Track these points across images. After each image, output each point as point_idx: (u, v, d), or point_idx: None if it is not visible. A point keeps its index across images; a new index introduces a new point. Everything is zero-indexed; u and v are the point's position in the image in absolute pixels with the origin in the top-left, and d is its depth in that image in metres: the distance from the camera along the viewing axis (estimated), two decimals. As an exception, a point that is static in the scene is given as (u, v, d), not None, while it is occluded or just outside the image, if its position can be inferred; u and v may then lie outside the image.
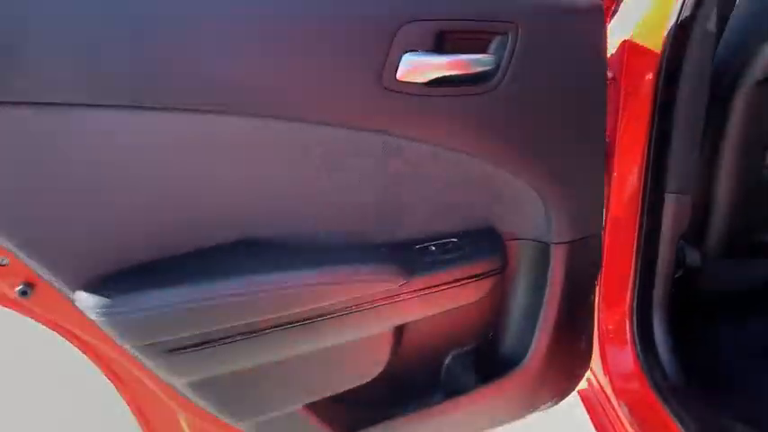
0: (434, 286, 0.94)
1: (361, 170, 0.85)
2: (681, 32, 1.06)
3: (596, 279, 1.13)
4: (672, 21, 1.06)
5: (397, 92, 0.80)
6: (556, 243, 1.00)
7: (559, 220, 0.98)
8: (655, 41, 1.10)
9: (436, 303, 0.97)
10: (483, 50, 0.85)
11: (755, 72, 1.18)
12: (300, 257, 0.86)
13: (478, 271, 0.97)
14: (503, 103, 0.87)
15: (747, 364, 1.33)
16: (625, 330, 1.28)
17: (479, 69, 0.84)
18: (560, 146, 0.95)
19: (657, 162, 1.17)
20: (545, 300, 1.04)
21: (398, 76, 0.79)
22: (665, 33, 1.07)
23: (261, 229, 0.83)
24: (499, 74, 0.85)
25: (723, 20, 1.21)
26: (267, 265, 0.82)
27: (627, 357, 1.28)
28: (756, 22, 1.18)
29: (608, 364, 1.22)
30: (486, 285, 0.99)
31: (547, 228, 1.01)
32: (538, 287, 1.05)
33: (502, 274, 1.00)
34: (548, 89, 0.91)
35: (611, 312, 1.25)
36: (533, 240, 1.04)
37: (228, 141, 0.76)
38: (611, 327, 1.26)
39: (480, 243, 0.99)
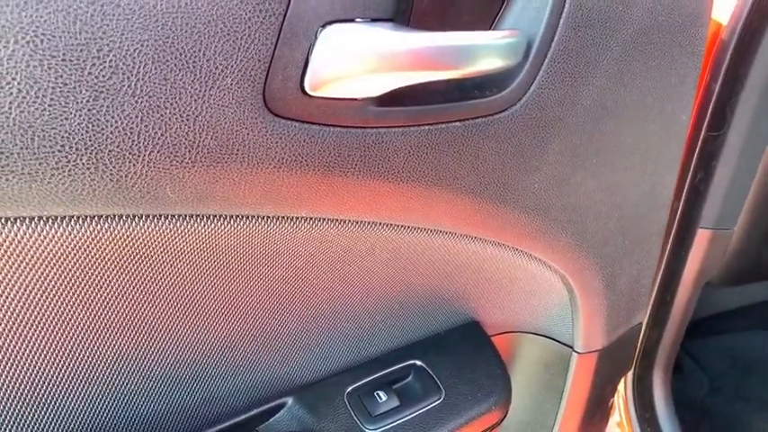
0: None
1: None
2: None
3: (625, 374, 0.79)
4: None
5: (307, 122, 0.37)
6: (582, 353, 0.61)
7: (592, 322, 0.59)
8: None
9: None
10: (487, 22, 0.45)
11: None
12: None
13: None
14: (527, 131, 0.48)
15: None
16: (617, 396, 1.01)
17: (497, 65, 0.43)
18: (621, 203, 0.54)
19: (695, 181, 0.82)
20: (558, 416, 0.68)
21: (309, 84, 0.36)
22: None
23: None
24: (525, 72, 0.45)
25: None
26: None
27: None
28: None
29: None
30: None
31: (570, 325, 0.61)
32: (544, 397, 0.71)
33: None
34: (617, 96, 0.49)
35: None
36: (544, 336, 0.65)
37: None
38: None
39: (466, 364, 0.59)
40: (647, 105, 0.54)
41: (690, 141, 0.80)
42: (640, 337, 0.95)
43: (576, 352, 0.64)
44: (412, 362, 0.59)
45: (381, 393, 0.55)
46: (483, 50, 0.41)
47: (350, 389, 0.56)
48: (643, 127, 0.55)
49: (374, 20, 0.37)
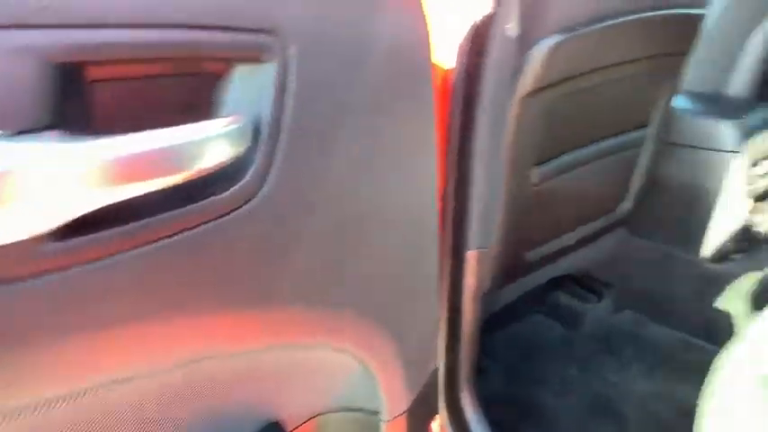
0: None
1: None
2: (477, 40, 0.73)
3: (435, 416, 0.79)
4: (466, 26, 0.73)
5: None
6: (390, 420, 0.59)
7: (392, 387, 0.57)
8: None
9: None
10: (204, 111, 0.39)
11: (522, 86, 0.99)
12: None
13: None
14: (275, 219, 0.42)
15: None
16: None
17: (223, 157, 0.37)
18: (391, 261, 0.53)
19: (458, 211, 0.88)
20: None
21: None
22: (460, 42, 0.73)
23: None
24: (260, 158, 0.39)
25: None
26: None
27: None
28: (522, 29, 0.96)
29: None
30: None
31: (373, 394, 0.58)
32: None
33: None
34: (365, 158, 0.47)
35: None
36: (352, 410, 0.61)
37: None
38: None
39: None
40: (395, 161, 0.54)
41: (445, 178, 0.85)
42: (442, 366, 0.98)
43: (384, 420, 0.60)
44: None
45: None
46: (200, 145, 0.34)
47: None
48: (395, 182, 0.54)
49: (21, 132, 0.27)
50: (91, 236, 0.30)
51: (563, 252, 1.36)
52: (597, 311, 1.56)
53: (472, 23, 0.74)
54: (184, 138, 0.33)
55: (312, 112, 0.41)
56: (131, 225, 0.32)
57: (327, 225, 0.45)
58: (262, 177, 0.39)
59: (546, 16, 0.93)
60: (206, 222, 0.36)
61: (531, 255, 1.27)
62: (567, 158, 1.18)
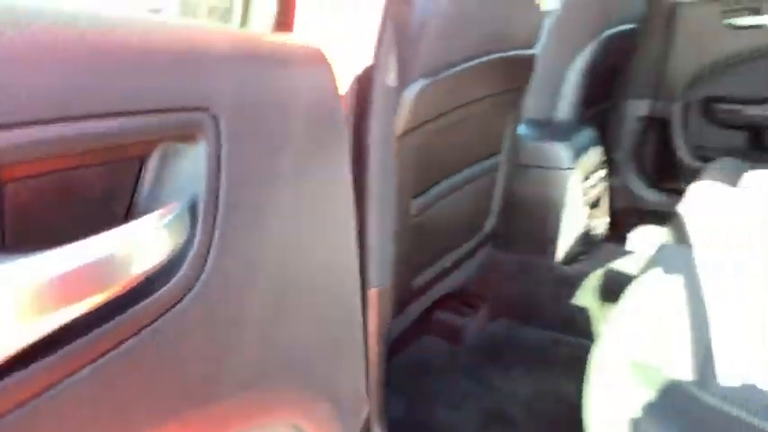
0: None
1: None
2: (361, 90, 0.77)
3: None
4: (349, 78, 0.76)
5: None
6: None
7: None
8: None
9: None
10: (130, 196, 0.37)
11: (396, 127, 1.05)
12: None
13: None
14: (215, 309, 0.41)
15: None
16: None
17: (166, 251, 0.35)
18: (320, 334, 0.53)
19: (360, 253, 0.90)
20: None
21: None
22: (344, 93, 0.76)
23: None
24: (199, 242, 0.37)
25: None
26: None
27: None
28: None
29: None
30: None
31: None
32: None
33: None
34: (298, 226, 0.47)
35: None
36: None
37: None
38: None
39: None
40: (320, 216, 0.54)
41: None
42: None
43: None
44: None
45: None
46: (138, 248, 0.31)
47: None
48: (322, 238, 0.54)
49: None
50: (18, 374, 0.26)
51: (443, 274, 1.44)
52: (475, 323, 1.67)
53: (355, 74, 0.77)
54: (120, 243, 0.30)
55: (246, 184, 0.39)
56: (60, 352, 0.28)
57: (267, 298, 0.43)
58: (200, 264, 0.36)
59: (412, 65, 1.00)
60: (146, 326, 0.33)
61: (416, 282, 1.33)
62: (438, 189, 1.27)
